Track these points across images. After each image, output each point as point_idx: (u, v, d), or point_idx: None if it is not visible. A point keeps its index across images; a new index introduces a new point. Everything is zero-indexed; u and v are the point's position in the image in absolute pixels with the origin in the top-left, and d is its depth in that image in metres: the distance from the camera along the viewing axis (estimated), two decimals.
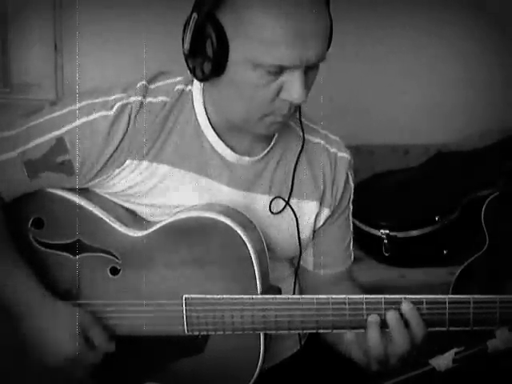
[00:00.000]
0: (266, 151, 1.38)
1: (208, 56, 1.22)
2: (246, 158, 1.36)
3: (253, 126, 1.29)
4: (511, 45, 2.87)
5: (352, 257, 1.53)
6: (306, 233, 1.44)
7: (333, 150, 1.45)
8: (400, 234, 2.49)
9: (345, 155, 1.46)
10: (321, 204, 1.44)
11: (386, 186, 2.73)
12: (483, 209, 2.25)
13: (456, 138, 2.91)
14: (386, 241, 2.49)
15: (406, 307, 1.23)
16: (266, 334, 1.32)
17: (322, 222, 1.45)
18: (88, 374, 1.31)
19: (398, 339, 1.24)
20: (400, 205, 2.60)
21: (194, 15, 1.22)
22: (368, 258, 2.55)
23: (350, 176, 1.47)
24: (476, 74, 2.91)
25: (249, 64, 1.20)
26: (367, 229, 2.53)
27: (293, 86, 1.21)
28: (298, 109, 1.31)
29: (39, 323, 1.28)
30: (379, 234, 2.50)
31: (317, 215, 1.44)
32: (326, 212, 1.45)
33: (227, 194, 1.36)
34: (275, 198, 1.39)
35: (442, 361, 1.17)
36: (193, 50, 1.24)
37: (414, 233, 2.49)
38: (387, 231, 2.49)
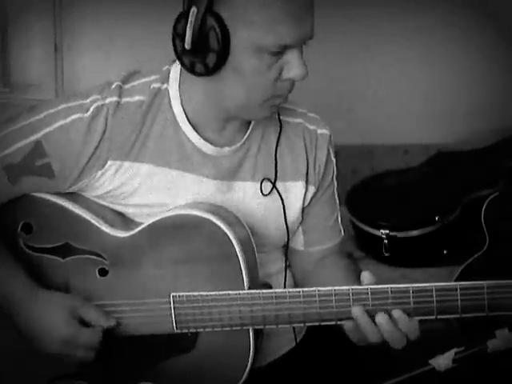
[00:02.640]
0: (244, 139, 1.39)
1: (211, 48, 1.23)
2: (227, 149, 1.37)
3: (253, 113, 1.32)
4: (511, 45, 2.87)
5: (342, 232, 1.54)
6: (294, 214, 1.45)
7: (312, 127, 1.46)
8: (400, 234, 2.49)
9: (324, 131, 1.47)
10: (306, 183, 1.45)
11: (386, 186, 2.73)
12: (483, 209, 2.25)
13: (456, 138, 2.91)
14: (386, 241, 2.49)
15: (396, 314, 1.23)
16: (257, 332, 1.33)
17: (308, 200, 1.47)
18: (94, 355, 1.31)
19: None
20: (400, 205, 2.60)
21: (194, 10, 1.23)
22: (368, 258, 2.55)
23: (331, 151, 1.49)
24: (476, 74, 2.91)
25: (251, 49, 1.23)
26: (367, 229, 2.53)
27: (295, 64, 1.25)
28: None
29: (30, 313, 1.30)
30: (379, 233, 2.50)
31: (304, 195, 1.45)
32: (311, 190, 1.46)
33: (212, 187, 1.37)
34: (264, 179, 1.40)
35: (442, 361, 1.18)
36: (194, 46, 1.24)
37: (414, 233, 2.49)
38: (387, 231, 2.49)
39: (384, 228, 2.49)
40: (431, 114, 2.93)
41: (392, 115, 2.91)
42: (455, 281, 2.26)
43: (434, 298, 1.24)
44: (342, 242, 1.54)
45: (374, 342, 1.24)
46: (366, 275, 1.26)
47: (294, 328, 1.46)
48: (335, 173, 1.51)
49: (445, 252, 2.52)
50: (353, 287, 1.25)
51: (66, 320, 1.29)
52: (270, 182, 1.41)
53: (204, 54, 1.24)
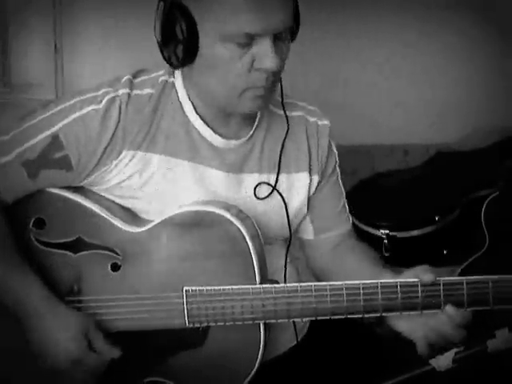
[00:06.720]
0: (251, 132, 1.41)
1: (179, 39, 1.27)
2: (234, 142, 1.40)
3: (236, 105, 1.32)
4: (511, 45, 2.87)
5: (350, 221, 1.56)
6: (299, 206, 1.47)
7: (313, 119, 1.49)
8: (400, 234, 2.49)
9: (325, 122, 1.50)
10: (310, 173, 1.47)
11: (386, 186, 2.74)
12: (483, 209, 2.25)
13: (456, 138, 2.91)
14: (385, 241, 2.49)
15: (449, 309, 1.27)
16: (265, 327, 1.33)
17: (313, 190, 1.49)
18: (94, 380, 1.31)
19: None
20: (400, 205, 2.61)
21: (161, 4, 1.28)
22: None
23: (332, 142, 1.52)
24: (476, 74, 2.91)
25: (218, 39, 1.25)
26: (367, 229, 2.53)
27: (264, 54, 1.25)
28: (276, 82, 1.34)
29: (43, 324, 1.29)
30: (379, 233, 2.50)
31: (309, 185, 1.47)
32: (315, 179, 1.48)
33: (220, 178, 1.39)
34: (260, 183, 1.42)
35: (442, 361, 1.18)
36: (164, 38, 1.29)
37: (414, 233, 2.49)
38: (387, 231, 2.49)
39: (384, 228, 2.50)
40: (431, 114, 2.93)
41: (392, 115, 2.91)
42: None
43: (442, 293, 1.27)
44: (351, 230, 1.56)
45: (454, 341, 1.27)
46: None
47: (295, 326, 1.47)
48: (337, 162, 1.53)
49: (445, 252, 2.52)
50: (363, 282, 1.28)
51: (76, 338, 1.29)
52: (270, 185, 1.42)
53: (174, 45, 1.28)
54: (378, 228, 2.51)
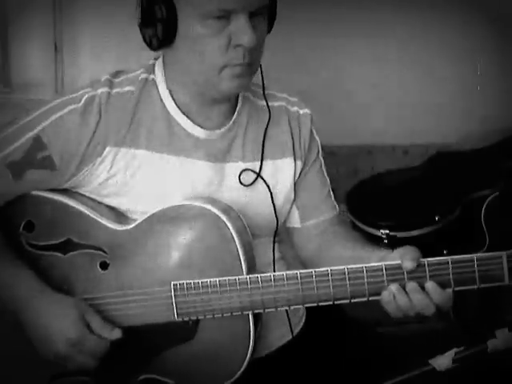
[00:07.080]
0: (232, 121, 1.44)
1: (159, 19, 1.31)
2: (216, 131, 1.42)
3: (215, 85, 1.34)
4: (511, 44, 2.87)
5: (337, 207, 1.58)
6: (288, 191, 1.50)
7: (294, 108, 1.53)
8: (400, 234, 2.49)
9: (306, 111, 1.54)
10: (294, 158, 1.50)
11: (386, 186, 2.73)
12: (483, 209, 2.25)
13: (456, 138, 2.91)
14: (386, 241, 2.49)
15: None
16: (256, 321, 1.34)
17: (297, 175, 1.52)
18: (95, 364, 1.32)
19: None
20: (400, 205, 2.60)
21: None
22: None
23: (313, 130, 1.55)
24: (476, 74, 2.91)
25: (196, 17, 1.28)
26: (367, 229, 2.53)
27: (241, 30, 1.29)
28: (255, 61, 1.35)
29: (40, 315, 1.31)
30: (379, 233, 2.50)
31: (294, 170, 1.50)
32: (299, 164, 1.52)
33: (206, 169, 1.41)
34: (244, 170, 1.44)
35: (442, 361, 1.18)
36: (144, 20, 1.34)
37: (414, 233, 2.49)
38: (387, 231, 2.49)
39: (384, 228, 2.49)
40: (431, 114, 2.93)
41: (391, 115, 2.91)
42: None
43: (428, 273, 1.27)
44: (338, 216, 1.57)
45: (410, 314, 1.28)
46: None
47: (289, 320, 1.48)
48: (320, 151, 1.56)
49: (445, 252, 2.51)
50: (348, 266, 1.28)
51: (75, 322, 1.30)
52: (254, 172, 1.44)
53: (154, 26, 1.32)
54: (378, 228, 2.51)
